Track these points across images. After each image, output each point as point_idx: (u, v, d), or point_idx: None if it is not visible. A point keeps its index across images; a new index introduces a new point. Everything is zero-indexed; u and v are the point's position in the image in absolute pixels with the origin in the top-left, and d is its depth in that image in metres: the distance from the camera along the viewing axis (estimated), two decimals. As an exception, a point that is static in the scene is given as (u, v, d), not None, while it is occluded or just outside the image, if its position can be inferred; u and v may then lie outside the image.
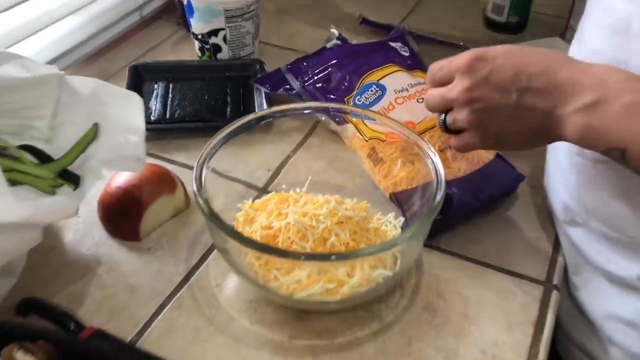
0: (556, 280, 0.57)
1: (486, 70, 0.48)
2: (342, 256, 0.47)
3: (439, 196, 0.48)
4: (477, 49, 0.49)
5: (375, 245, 0.47)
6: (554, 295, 0.55)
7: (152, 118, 0.73)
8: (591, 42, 0.53)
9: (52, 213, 0.44)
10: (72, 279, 0.55)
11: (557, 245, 0.60)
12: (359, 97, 0.69)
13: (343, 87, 0.70)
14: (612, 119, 0.42)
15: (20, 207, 0.39)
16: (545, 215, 0.63)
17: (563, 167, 0.57)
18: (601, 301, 0.57)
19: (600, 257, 0.56)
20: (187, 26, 0.85)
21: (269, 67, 0.80)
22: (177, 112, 0.74)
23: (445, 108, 0.53)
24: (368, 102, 0.68)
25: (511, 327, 0.52)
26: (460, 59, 0.50)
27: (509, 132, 0.50)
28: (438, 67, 0.53)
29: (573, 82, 0.44)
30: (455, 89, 0.50)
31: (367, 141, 0.64)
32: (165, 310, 0.53)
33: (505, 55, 0.48)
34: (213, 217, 0.47)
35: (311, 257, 0.48)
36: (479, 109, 0.49)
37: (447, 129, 0.54)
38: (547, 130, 0.47)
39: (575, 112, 0.44)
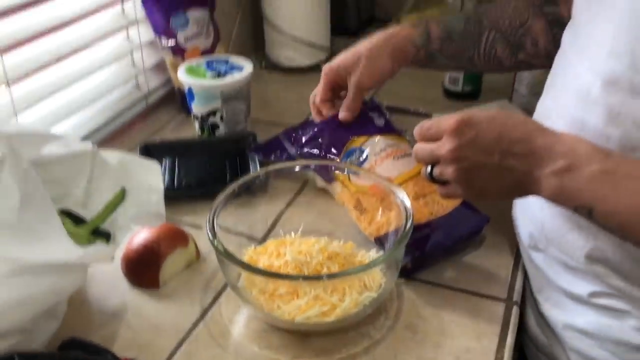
0: (515, 297, 0.67)
1: (472, 133, 0.55)
2: (333, 275, 0.57)
3: (409, 224, 0.60)
4: (464, 114, 0.56)
5: (360, 266, 0.57)
6: (514, 310, 0.65)
7: (162, 188, 0.84)
8: (562, 99, 0.62)
9: (96, 255, 0.54)
10: (104, 323, 0.64)
11: (515, 269, 0.71)
12: (344, 161, 0.81)
13: (331, 153, 0.82)
14: (582, 183, 0.50)
15: (75, 249, 0.50)
16: (505, 245, 0.74)
17: (530, 202, 0.66)
18: (560, 314, 0.66)
19: (558, 278, 0.65)
20: (188, 109, 0.99)
21: (260, 139, 0.92)
22: (184, 181, 0.86)
23: (433, 161, 0.60)
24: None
25: (480, 337, 0.62)
26: (449, 121, 0.56)
27: (490, 187, 0.57)
28: (428, 125, 0.59)
29: (548, 149, 0.52)
30: (444, 147, 0.56)
31: (352, 194, 0.75)
32: (184, 343, 0.62)
33: (489, 121, 0.55)
34: (227, 254, 0.58)
35: (307, 278, 0.59)
36: (465, 167, 0.56)
37: (433, 179, 0.60)
38: (525, 188, 0.55)
39: (550, 175, 0.52)
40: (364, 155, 0.79)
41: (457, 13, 0.86)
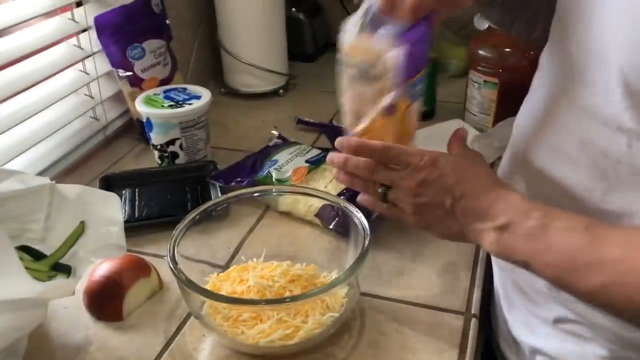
0: (474, 310, 0.69)
1: (437, 173, 0.58)
2: (295, 298, 0.58)
3: (366, 243, 0.61)
4: (433, 154, 0.59)
5: (321, 287, 0.58)
6: (473, 322, 0.67)
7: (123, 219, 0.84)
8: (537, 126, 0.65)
9: (57, 290, 0.54)
10: (67, 358, 0.64)
11: (472, 282, 0.73)
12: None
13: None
14: (518, 239, 0.53)
15: (35, 284, 0.49)
16: (462, 259, 0.76)
17: None
18: (530, 337, 0.68)
19: (526, 300, 0.67)
20: (147, 139, 0.99)
21: (221, 166, 0.93)
22: (145, 211, 0.86)
23: (389, 185, 0.62)
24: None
25: (441, 351, 0.64)
26: (422, 156, 0.58)
27: (437, 227, 0.61)
28: (397, 152, 0.60)
29: (492, 206, 0.56)
30: (409, 179, 0.59)
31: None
32: (150, 374, 0.62)
33: (453, 167, 0.58)
34: (189, 283, 0.58)
35: (270, 302, 0.59)
36: (421, 203, 0.59)
37: (384, 198, 0.63)
38: (467, 237, 0.59)
39: (490, 230, 0.55)
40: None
41: None
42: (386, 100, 0.54)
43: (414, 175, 0.59)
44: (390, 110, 0.53)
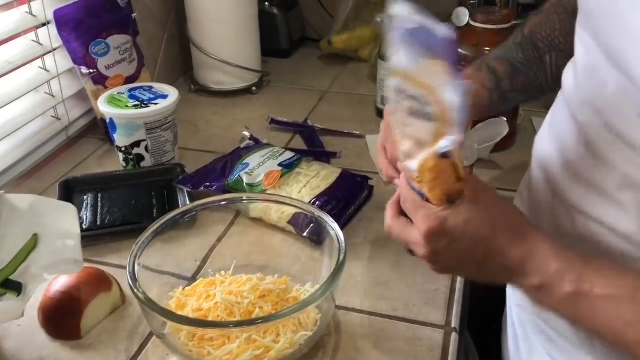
0: (454, 323, 0.66)
1: (445, 242, 0.50)
2: (266, 319, 0.54)
3: (342, 257, 0.58)
4: (433, 221, 0.49)
5: (293, 306, 0.54)
6: (453, 336, 0.64)
7: (84, 227, 0.79)
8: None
9: (3, 314, 0.49)
10: (18, 382, 0.59)
11: (452, 294, 0.70)
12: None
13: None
14: (557, 303, 0.48)
15: (-26, 311, 0.45)
16: (441, 270, 0.73)
17: None
18: None
19: (551, 349, 0.63)
20: (111, 141, 0.94)
21: (190, 169, 0.89)
22: (108, 218, 0.81)
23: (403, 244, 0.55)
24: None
25: (420, 368, 0.60)
26: (420, 226, 0.50)
27: (472, 276, 0.57)
28: (409, 205, 0.52)
29: (521, 265, 0.49)
30: (418, 250, 0.52)
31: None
32: (110, 398, 0.58)
33: (463, 228, 0.49)
34: (149, 303, 0.54)
35: (239, 324, 0.55)
36: (443, 267, 0.53)
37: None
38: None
39: (527, 288, 0.50)
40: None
41: (508, 47, 0.73)
42: (444, 143, 0.48)
43: (421, 245, 0.51)
44: (445, 154, 0.48)
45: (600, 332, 0.48)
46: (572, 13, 0.70)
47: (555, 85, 0.72)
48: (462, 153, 0.49)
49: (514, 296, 0.67)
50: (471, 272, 0.53)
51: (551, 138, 0.62)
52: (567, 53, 0.71)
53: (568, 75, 0.60)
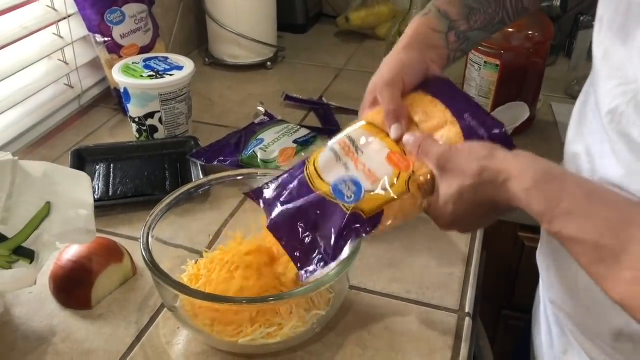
0: (468, 308, 0.65)
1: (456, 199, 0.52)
2: (279, 297, 0.54)
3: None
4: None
5: (307, 286, 0.53)
6: (467, 321, 0.63)
7: (95, 197, 0.78)
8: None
9: (14, 282, 0.48)
10: (28, 350, 0.59)
11: (466, 279, 0.69)
12: None
13: None
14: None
15: (-13, 277, 0.44)
16: (456, 255, 0.72)
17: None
18: None
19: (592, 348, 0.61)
20: (124, 111, 0.93)
21: (203, 143, 0.88)
22: (120, 189, 0.80)
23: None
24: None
25: (432, 352, 0.60)
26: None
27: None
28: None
29: (509, 205, 0.50)
30: (439, 220, 0.56)
31: None
32: (120, 370, 0.57)
33: (456, 196, 0.52)
34: (162, 276, 0.53)
35: (251, 300, 0.55)
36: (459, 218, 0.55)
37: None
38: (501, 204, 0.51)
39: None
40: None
41: None
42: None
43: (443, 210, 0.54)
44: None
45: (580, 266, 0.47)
46: None
47: (515, 16, 0.72)
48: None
49: (549, 292, 0.66)
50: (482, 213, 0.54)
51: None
52: None
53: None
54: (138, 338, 0.61)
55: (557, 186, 0.47)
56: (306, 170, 0.59)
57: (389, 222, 0.56)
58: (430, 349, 0.60)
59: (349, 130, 0.62)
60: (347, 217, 0.54)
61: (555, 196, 0.46)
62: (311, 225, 0.55)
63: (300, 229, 0.55)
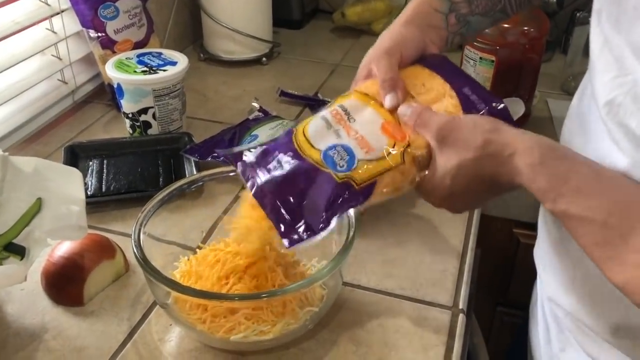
0: (462, 305, 0.65)
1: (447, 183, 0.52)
2: (271, 293, 0.53)
3: (351, 234, 0.56)
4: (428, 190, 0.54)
5: (300, 282, 0.53)
6: (461, 318, 0.63)
7: (88, 193, 0.78)
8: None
9: (4, 278, 0.48)
10: (20, 346, 0.59)
11: (460, 275, 0.69)
12: None
13: None
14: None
15: (-24, 273, 0.44)
16: (450, 251, 0.72)
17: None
18: None
19: (585, 344, 0.61)
20: (118, 107, 0.92)
21: (197, 139, 0.87)
22: (113, 185, 0.80)
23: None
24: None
25: (426, 349, 0.59)
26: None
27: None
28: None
29: (511, 183, 0.49)
30: (432, 196, 0.55)
31: None
32: (111, 367, 0.57)
33: (454, 169, 0.51)
34: (154, 272, 0.53)
35: (243, 297, 0.54)
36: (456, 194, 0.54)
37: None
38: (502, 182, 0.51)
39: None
40: None
41: None
42: None
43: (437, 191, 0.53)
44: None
45: (581, 248, 0.46)
46: None
47: (517, 6, 0.71)
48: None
49: (546, 289, 0.66)
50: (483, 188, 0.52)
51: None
52: None
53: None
54: (130, 335, 0.60)
55: (565, 163, 0.47)
56: (294, 137, 0.55)
57: (380, 195, 0.53)
58: (424, 345, 0.60)
59: (340, 100, 0.59)
60: (337, 185, 0.51)
61: (563, 173, 0.46)
62: (298, 193, 0.51)
63: (287, 197, 0.52)
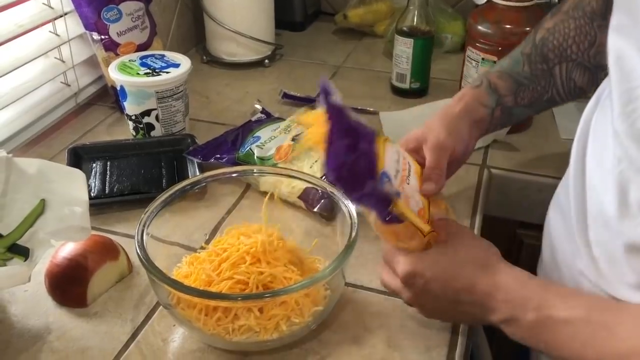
0: (465, 305, 0.65)
1: (421, 282, 0.54)
2: (274, 293, 0.53)
3: (354, 233, 0.56)
4: (406, 263, 0.54)
5: (302, 282, 0.53)
6: (464, 318, 0.63)
7: (92, 194, 0.78)
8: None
9: (8, 279, 0.48)
10: (23, 347, 0.59)
11: (464, 275, 0.69)
12: None
13: None
14: (524, 332, 0.51)
15: (-20, 274, 0.44)
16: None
17: None
18: None
19: None
20: (121, 109, 0.92)
21: (200, 141, 0.87)
22: (116, 186, 0.80)
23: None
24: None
25: (429, 349, 0.59)
26: (399, 270, 0.54)
27: (455, 318, 0.60)
28: (387, 258, 0.57)
29: (489, 297, 0.52)
30: (402, 294, 0.57)
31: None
32: (115, 367, 0.57)
33: (432, 269, 0.53)
34: (157, 273, 0.53)
35: (246, 297, 0.54)
36: (427, 309, 0.57)
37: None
38: (483, 321, 0.55)
39: (497, 322, 0.53)
40: None
41: (514, 58, 0.72)
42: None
43: (404, 290, 0.56)
44: (391, 220, 0.51)
45: (562, 355, 0.49)
46: (591, 16, 0.69)
47: (568, 96, 0.72)
48: (414, 203, 0.54)
49: None
50: (452, 313, 0.56)
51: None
52: (579, 63, 0.70)
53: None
54: (133, 336, 0.60)
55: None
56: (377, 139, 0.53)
57: (390, 234, 0.54)
58: (427, 345, 0.60)
59: (406, 154, 0.60)
60: (378, 185, 0.49)
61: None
62: (354, 160, 0.48)
63: (348, 150, 0.49)
